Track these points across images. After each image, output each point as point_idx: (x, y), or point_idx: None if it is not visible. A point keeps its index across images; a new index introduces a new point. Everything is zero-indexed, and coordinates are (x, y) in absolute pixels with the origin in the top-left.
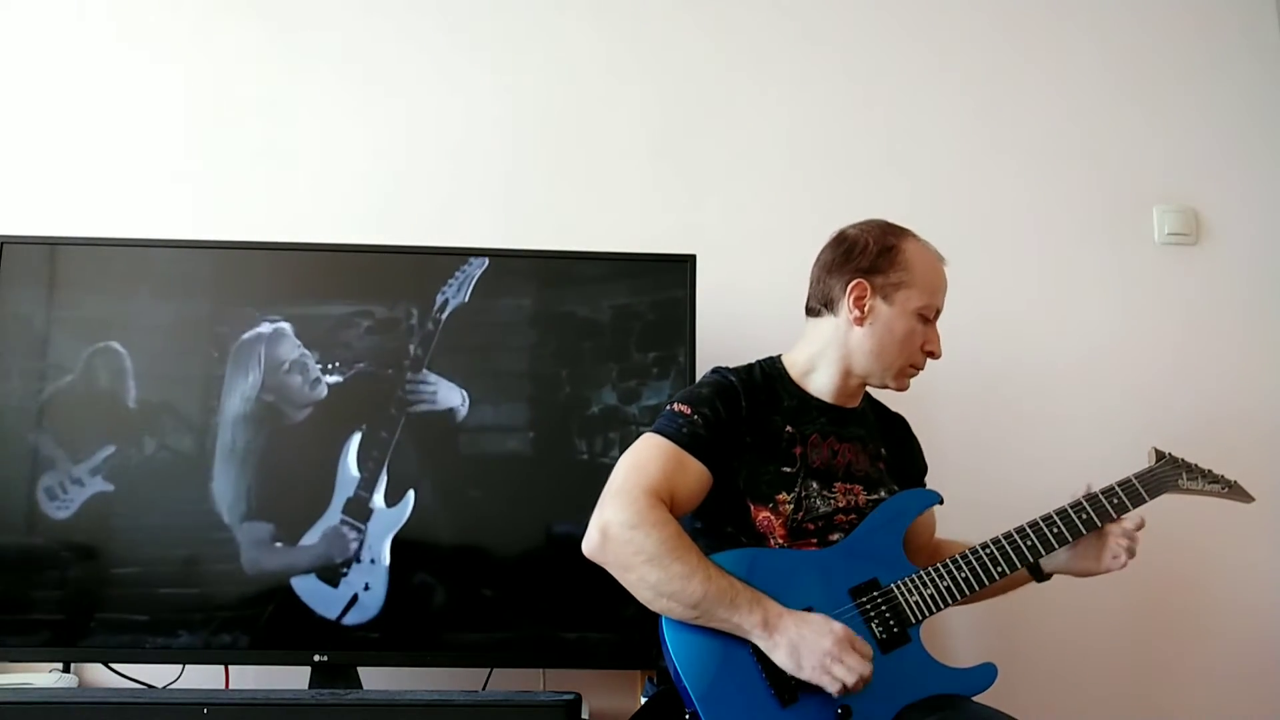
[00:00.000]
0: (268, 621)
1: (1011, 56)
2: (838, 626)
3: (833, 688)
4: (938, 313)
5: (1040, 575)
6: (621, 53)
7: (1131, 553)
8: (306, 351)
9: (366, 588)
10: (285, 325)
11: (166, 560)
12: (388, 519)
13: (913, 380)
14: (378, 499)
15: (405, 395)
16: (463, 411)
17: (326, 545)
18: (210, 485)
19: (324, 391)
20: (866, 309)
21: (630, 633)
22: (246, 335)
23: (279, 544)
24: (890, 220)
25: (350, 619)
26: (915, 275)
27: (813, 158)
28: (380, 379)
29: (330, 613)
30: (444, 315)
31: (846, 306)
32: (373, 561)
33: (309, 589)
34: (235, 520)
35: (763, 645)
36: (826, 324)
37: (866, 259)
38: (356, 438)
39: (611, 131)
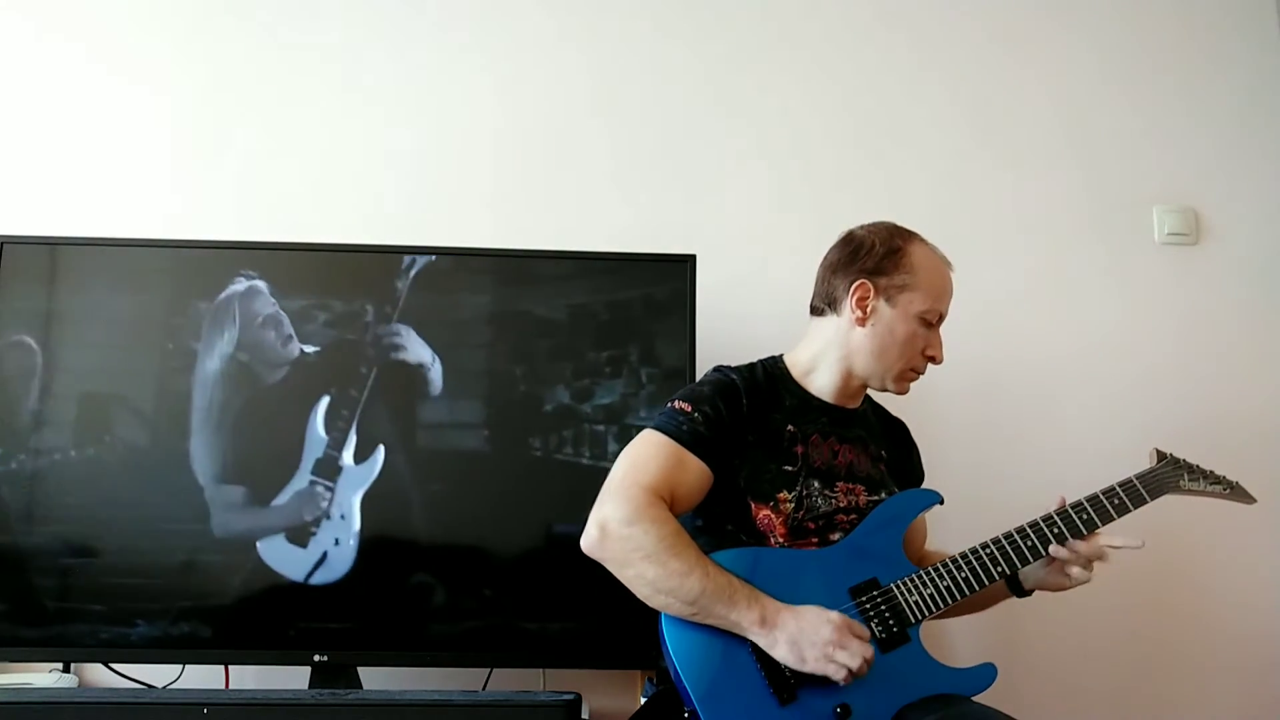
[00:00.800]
0: (237, 591)
1: (1011, 57)
2: (834, 615)
3: (839, 675)
4: (941, 318)
5: (1020, 590)
6: (621, 53)
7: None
8: (281, 311)
9: (336, 543)
10: (260, 283)
11: (135, 545)
12: (356, 476)
13: (913, 383)
14: (347, 457)
15: (376, 350)
16: (434, 379)
17: (298, 505)
18: (188, 454)
19: (296, 350)
20: (869, 310)
21: (630, 631)
22: (222, 295)
23: (250, 507)
24: (896, 222)
25: (317, 579)
26: (919, 278)
27: (812, 158)
28: (353, 343)
29: (297, 575)
30: (413, 271)
31: (849, 306)
32: (342, 517)
33: (276, 552)
34: (210, 485)
35: (761, 642)
36: (829, 324)
37: (871, 260)
38: (325, 400)
39: (612, 131)
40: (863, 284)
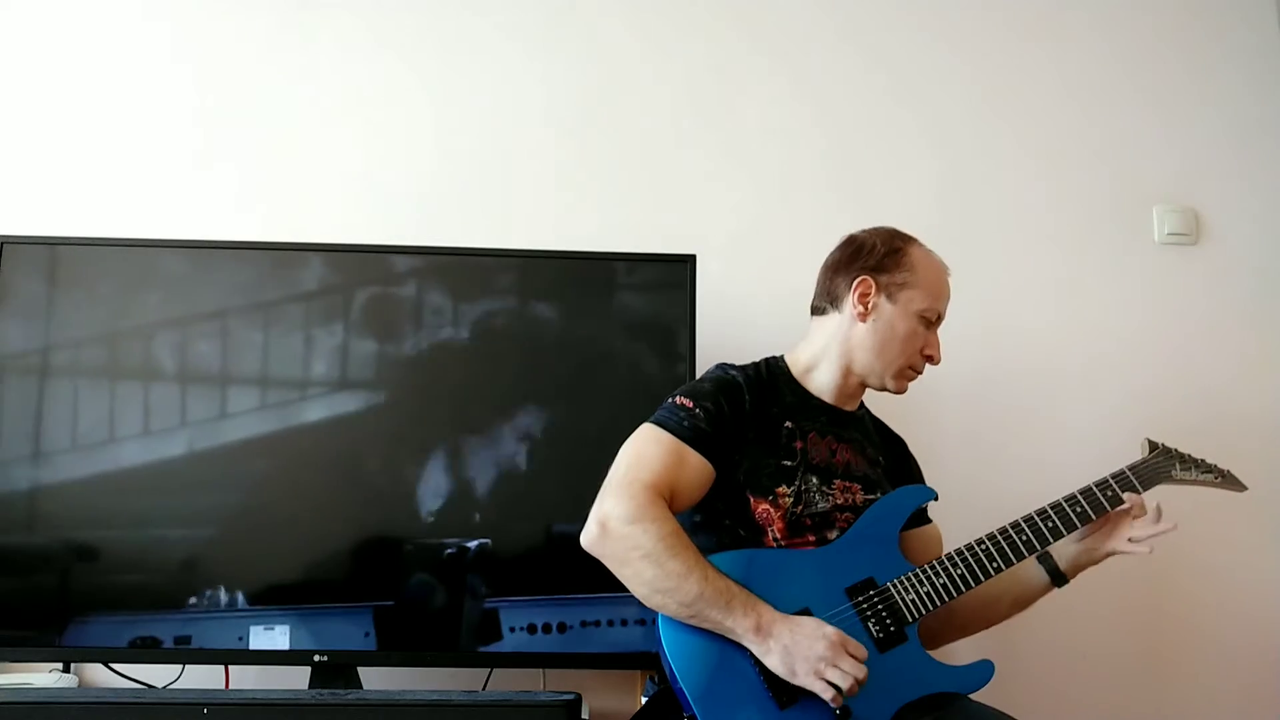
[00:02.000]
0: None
1: (1012, 57)
2: (830, 630)
3: (827, 693)
4: (940, 318)
5: (1060, 579)
6: (622, 54)
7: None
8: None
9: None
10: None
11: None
12: None
13: (911, 382)
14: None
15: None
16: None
17: None
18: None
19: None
20: (870, 305)
21: (630, 631)
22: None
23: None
24: (895, 227)
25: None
26: (920, 277)
27: (813, 158)
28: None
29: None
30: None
31: (851, 302)
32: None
33: None
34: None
35: (755, 650)
36: (830, 321)
37: (874, 258)
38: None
39: (612, 132)
40: (865, 280)
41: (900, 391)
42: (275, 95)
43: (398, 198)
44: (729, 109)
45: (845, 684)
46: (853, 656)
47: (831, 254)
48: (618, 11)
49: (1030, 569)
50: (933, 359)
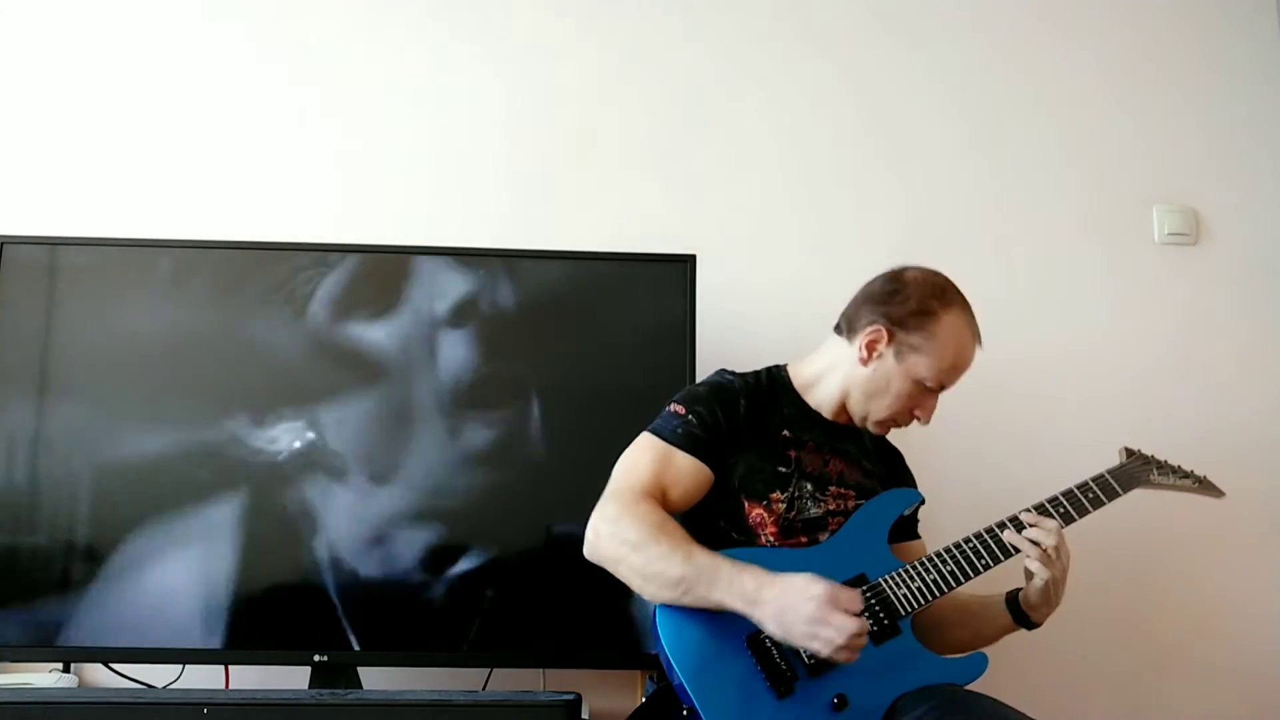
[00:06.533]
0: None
1: (1011, 56)
2: (818, 590)
3: (825, 651)
4: (943, 388)
5: (1029, 623)
6: (622, 53)
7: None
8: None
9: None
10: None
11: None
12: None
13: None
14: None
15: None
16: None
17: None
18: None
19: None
20: (875, 354)
21: (630, 631)
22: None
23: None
24: (951, 280)
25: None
26: (934, 347)
27: (813, 158)
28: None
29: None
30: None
31: (860, 342)
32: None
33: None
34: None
35: (752, 619)
36: (841, 346)
37: (900, 310)
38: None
39: (612, 131)
40: (879, 330)
41: (878, 435)
42: (275, 96)
43: (398, 198)
44: (730, 110)
45: (840, 640)
46: (844, 610)
47: (874, 280)
48: (620, 15)
49: (1000, 610)
50: (919, 420)
